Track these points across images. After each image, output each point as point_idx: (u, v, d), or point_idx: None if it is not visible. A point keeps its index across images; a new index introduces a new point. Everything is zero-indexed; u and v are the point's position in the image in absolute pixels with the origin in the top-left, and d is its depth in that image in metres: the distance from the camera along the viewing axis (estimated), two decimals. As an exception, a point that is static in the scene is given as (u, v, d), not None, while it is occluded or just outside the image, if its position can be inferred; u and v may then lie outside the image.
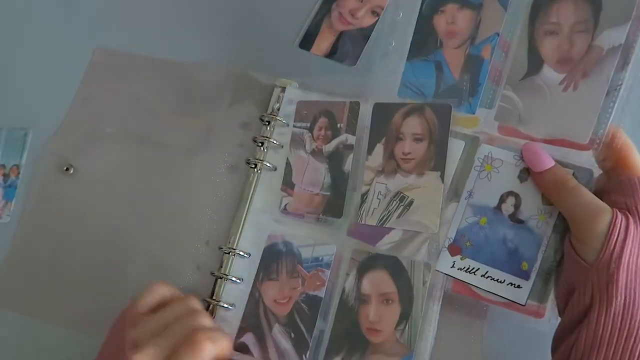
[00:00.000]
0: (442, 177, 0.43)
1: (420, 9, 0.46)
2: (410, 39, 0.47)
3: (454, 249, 0.42)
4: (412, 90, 0.46)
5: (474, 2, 0.45)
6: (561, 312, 0.39)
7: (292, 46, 0.56)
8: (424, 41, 0.46)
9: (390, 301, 0.44)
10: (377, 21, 0.56)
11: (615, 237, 0.35)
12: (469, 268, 0.42)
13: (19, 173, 0.57)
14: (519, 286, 0.40)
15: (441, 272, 0.42)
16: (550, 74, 0.41)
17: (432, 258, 0.43)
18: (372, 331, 0.44)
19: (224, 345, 0.41)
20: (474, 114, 0.43)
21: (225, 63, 0.56)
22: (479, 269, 0.41)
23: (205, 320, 0.43)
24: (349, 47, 0.55)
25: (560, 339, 0.38)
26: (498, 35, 0.43)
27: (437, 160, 0.44)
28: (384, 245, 0.44)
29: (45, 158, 0.56)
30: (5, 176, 0.57)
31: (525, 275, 0.40)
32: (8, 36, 0.63)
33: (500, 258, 0.41)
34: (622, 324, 0.34)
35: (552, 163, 0.40)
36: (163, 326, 0.40)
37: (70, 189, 0.55)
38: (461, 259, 0.42)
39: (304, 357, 0.45)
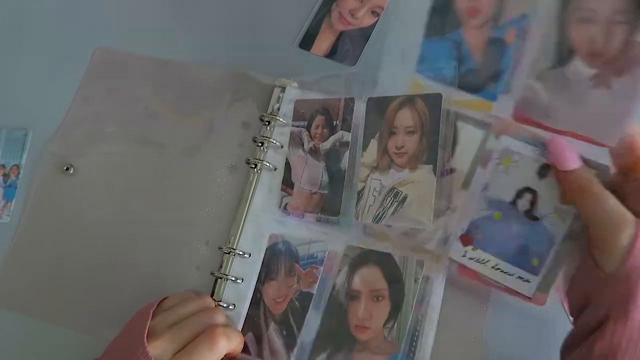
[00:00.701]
0: (434, 170, 0.43)
1: None
2: (427, 14, 0.43)
3: (466, 239, 0.42)
4: (430, 71, 0.43)
5: (498, -24, 0.41)
6: (574, 317, 0.38)
7: (292, 46, 0.56)
8: (442, 18, 0.42)
9: (380, 298, 0.44)
10: (377, 21, 0.56)
11: (638, 250, 0.33)
12: (479, 259, 0.41)
13: (19, 173, 0.57)
14: (527, 280, 0.40)
15: (453, 259, 0.42)
16: (580, 67, 0.37)
17: (443, 245, 0.43)
18: (360, 328, 0.44)
19: (237, 342, 0.44)
20: (494, 100, 0.41)
21: (225, 63, 0.56)
22: (489, 260, 0.41)
23: (220, 317, 0.44)
24: (349, 47, 0.55)
25: (572, 345, 0.37)
26: (525, 17, 0.39)
27: (429, 153, 0.43)
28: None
29: (45, 158, 0.56)
30: (5, 176, 0.57)
31: (535, 271, 0.40)
32: (8, 36, 0.63)
33: (511, 252, 0.40)
34: (638, 338, 0.33)
35: (578, 164, 0.37)
36: (179, 319, 0.42)
37: (70, 189, 0.55)
38: (473, 249, 0.41)
39: (290, 354, 0.45)
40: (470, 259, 0.41)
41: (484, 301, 0.44)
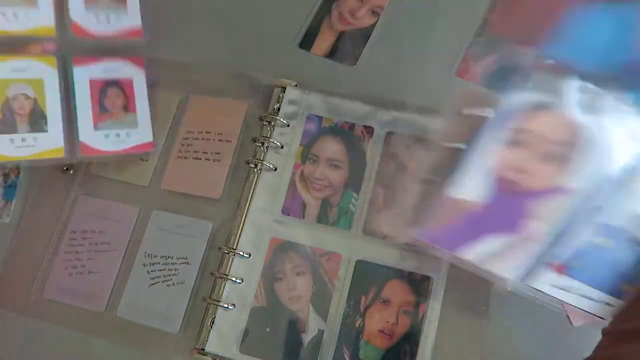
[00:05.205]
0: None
1: None
2: None
3: (561, 268, 0.36)
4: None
5: None
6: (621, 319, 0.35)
7: (292, 46, 0.56)
8: None
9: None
10: (377, 21, 0.56)
11: None
12: (566, 287, 0.35)
13: (19, 173, 0.57)
14: (611, 305, 0.35)
15: (534, 288, 0.36)
16: None
17: (528, 272, 0.36)
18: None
19: None
20: None
21: (225, 63, 0.56)
22: (577, 287, 0.35)
23: None
24: (349, 47, 0.55)
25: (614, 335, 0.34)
26: None
27: None
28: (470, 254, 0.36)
29: (45, 158, 0.56)
30: (5, 176, 0.57)
31: (620, 295, 0.35)
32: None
33: (606, 280, 0.35)
34: None
35: None
36: None
37: (70, 189, 0.55)
38: (559, 275, 0.35)
39: None
40: (554, 286, 0.35)
41: (484, 301, 0.44)
